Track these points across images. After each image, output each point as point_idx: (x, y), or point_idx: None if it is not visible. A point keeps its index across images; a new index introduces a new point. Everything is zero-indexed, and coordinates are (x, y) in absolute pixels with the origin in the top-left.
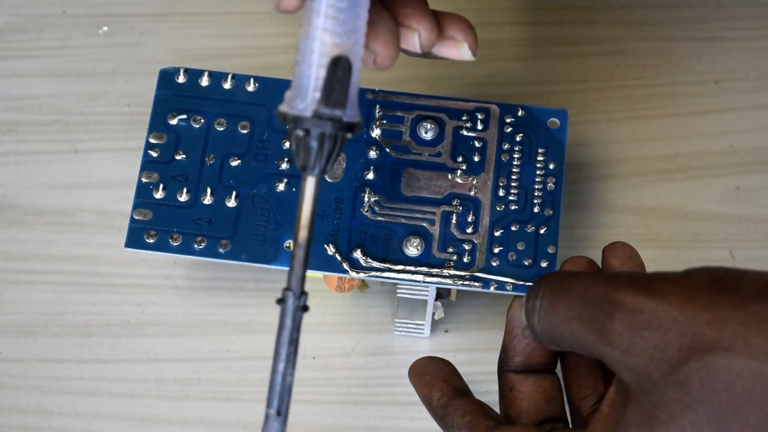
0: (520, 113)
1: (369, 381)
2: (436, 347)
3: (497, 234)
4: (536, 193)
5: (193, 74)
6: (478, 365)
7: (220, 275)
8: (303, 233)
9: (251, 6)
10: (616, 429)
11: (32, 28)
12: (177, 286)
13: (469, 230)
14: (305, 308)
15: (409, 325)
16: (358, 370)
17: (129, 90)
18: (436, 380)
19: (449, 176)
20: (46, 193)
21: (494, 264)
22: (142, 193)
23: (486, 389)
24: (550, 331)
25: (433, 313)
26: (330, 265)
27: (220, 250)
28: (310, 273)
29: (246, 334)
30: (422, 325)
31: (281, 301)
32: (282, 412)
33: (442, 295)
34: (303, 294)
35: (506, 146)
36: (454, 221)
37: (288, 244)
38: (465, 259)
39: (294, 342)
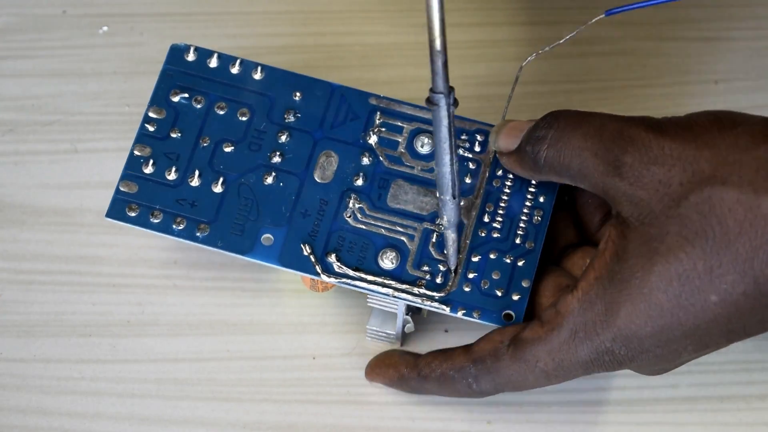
0: None
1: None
2: (436, 347)
3: (474, 259)
4: (521, 225)
5: (203, 54)
6: None
7: (220, 275)
8: (438, 41)
9: (251, 6)
10: (618, 259)
11: (32, 28)
12: (177, 286)
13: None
14: (456, 102)
15: (380, 334)
16: (358, 370)
17: (129, 90)
18: (395, 360)
19: (437, 194)
20: (46, 193)
21: (466, 289)
22: (132, 166)
23: None
24: (557, 159)
25: (403, 327)
26: (303, 265)
27: (198, 234)
28: (286, 270)
29: (246, 334)
30: (392, 335)
31: (432, 103)
32: (456, 196)
33: (413, 310)
34: (451, 91)
35: (500, 172)
36: (433, 240)
37: (266, 237)
38: (438, 280)
39: (453, 135)
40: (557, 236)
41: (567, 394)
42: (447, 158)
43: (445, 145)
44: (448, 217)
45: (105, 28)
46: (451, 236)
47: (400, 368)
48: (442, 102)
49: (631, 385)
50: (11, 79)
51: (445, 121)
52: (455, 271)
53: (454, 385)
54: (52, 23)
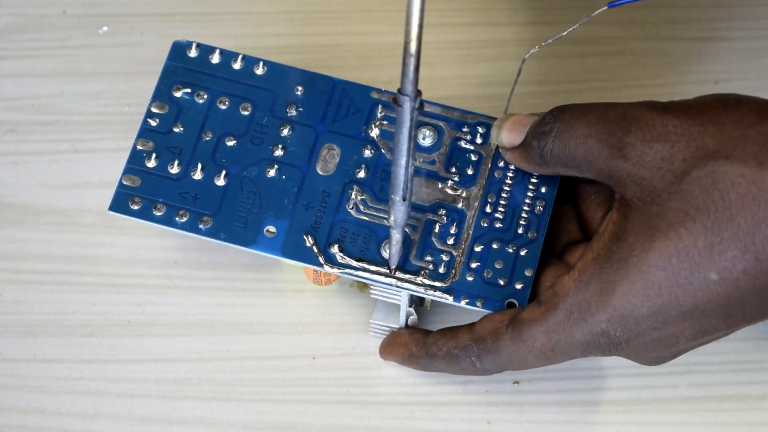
0: None
1: (369, 381)
2: None
3: (477, 249)
4: (523, 215)
5: (205, 50)
6: None
7: (220, 275)
8: (414, 44)
9: (251, 6)
10: (617, 239)
11: (32, 28)
12: (177, 286)
13: (450, 242)
14: (421, 106)
15: (384, 328)
16: (358, 370)
17: (129, 90)
18: (405, 339)
19: (439, 185)
20: (46, 193)
21: (469, 279)
22: (135, 160)
23: (486, 389)
24: (563, 150)
25: (407, 319)
26: (306, 256)
27: (201, 226)
28: (289, 262)
29: (246, 334)
30: (395, 329)
31: (397, 104)
32: (407, 198)
33: (416, 301)
34: (418, 95)
35: (501, 164)
36: (436, 230)
37: (269, 229)
38: (440, 270)
39: (413, 138)
40: (560, 233)
41: (567, 394)
42: (403, 160)
43: (403, 147)
44: (395, 217)
45: (105, 28)
46: (395, 236)
47: (410, 347)
48: (407, 104)
49: (631, 385)
50: (11, 79)
51: (407, 124)
52: (395, 270)
53: (459, 363)
54: (52, 23)
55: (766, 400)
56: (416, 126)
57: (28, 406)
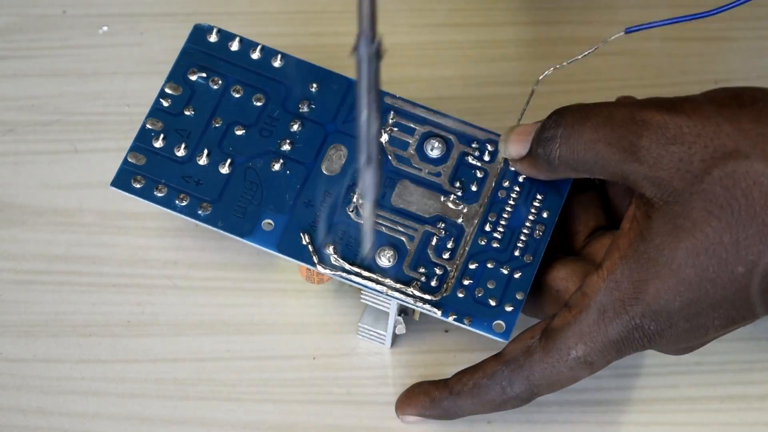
0: None
1: (369, 381)
2: (436, 347)
3: (471, 267)
4: (522, 237)
5: (225, 36)
6: None
7: (220, 275)
8: None
9: (251, 6)
10: (642, 239)
11: (32, 28)
12: (177, 286)
13: (445, 256)
14: (379, 54)
15: (371, 333)
16: (358, 370)
17: (129, 90)
18: (425, 386)
19: (442, 198)
20: (46, 193)
21: (460, 295)
22: (143, 138)
23: None
24: (571, 156)
25: (395, 327)
26: (301, 254)
27: (200, 212)
28: (283, 258)
29: (246, 334)
30: (383, 335)
31: (356, 49)
32: (372, 159)
33: (406, 311)
34: (375, 37)
35: (506, 183)
36: (433, 243)
37: (267, 222)
38: (432, 283)
39: (374, 88)
40: (587, 219)
41: (567, 394)
42: (365, 114)
43: (363, 100)
44: (361, 185)
45: (105, 28)
46: (366, 208)
47: (431, 392)
48: (362, 45)
49: (630, 385)
50: (11, 79)
51: (365, 70)
52: (367, 255)
53: (488, 393)
54: (52, 23)
55: (766, 400)
56: (378, 75)
57: (28, 406)
